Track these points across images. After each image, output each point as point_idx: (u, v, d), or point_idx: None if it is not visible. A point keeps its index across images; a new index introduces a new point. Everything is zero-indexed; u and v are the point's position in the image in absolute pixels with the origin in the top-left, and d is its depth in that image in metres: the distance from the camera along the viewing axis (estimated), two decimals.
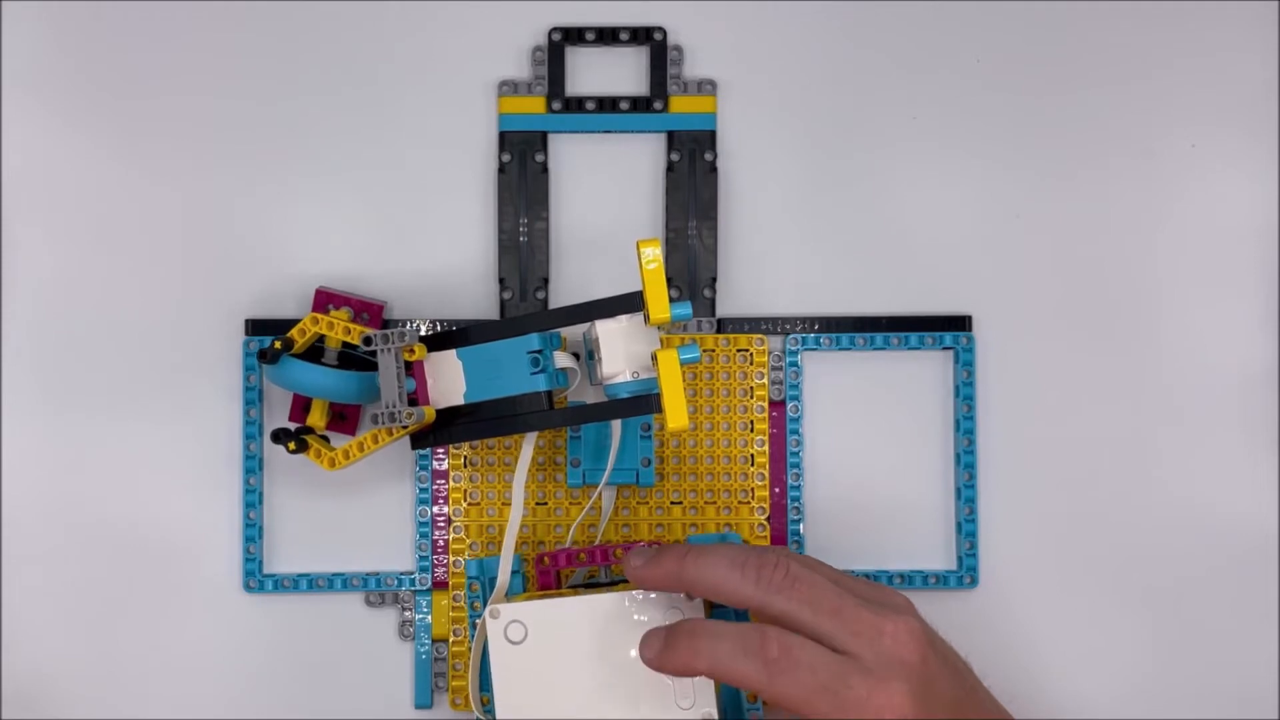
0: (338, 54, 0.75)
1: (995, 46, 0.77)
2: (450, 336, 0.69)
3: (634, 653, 0.66)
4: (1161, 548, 0.76)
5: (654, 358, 0.64)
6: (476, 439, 0.70)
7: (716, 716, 0.68)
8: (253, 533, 0.74)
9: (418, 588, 0.74)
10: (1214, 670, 0.75)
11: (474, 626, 0.73)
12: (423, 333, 0.74)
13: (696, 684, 0.67)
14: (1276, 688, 0.75)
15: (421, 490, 0.74)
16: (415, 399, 0.69)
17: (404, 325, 0.74)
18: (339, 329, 0.69)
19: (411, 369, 0.69)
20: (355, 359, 0.71)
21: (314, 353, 0.72)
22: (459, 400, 0.69)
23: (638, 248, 0.65)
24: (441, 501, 0.74)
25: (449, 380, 0.69)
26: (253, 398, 0.74)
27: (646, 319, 0.65)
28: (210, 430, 0.75)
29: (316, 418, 0.72)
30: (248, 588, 0.74)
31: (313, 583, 0.74)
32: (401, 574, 0.74)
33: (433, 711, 0.74)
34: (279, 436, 0.70)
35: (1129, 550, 0.75)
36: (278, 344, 0.70)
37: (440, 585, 0.74)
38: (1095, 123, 0.76)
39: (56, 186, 0.75)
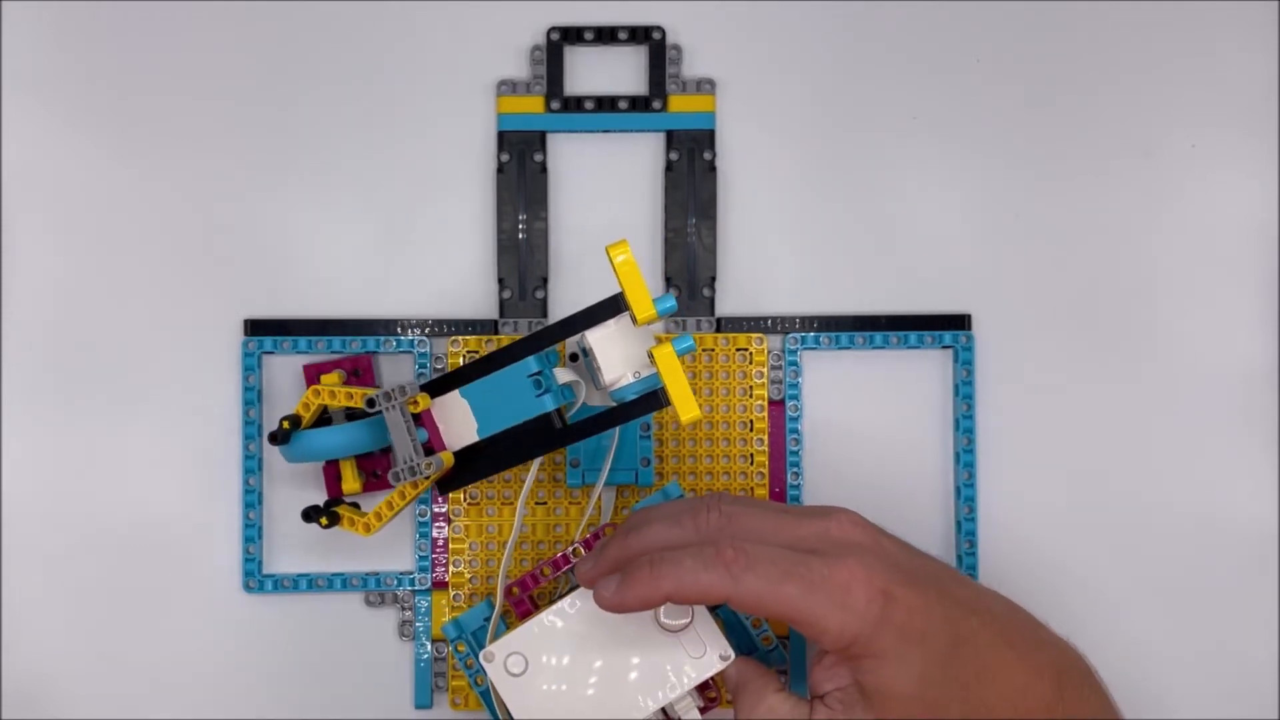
0: (337, 54, 0.75)
1: (995, 46, 0.77)
2: (450, 379, 0.69)
3: (629, 628, 0.67)
4: (1161, 546, 0.76)
5: (650, 355, 0.64)
6: (500, 472, 0.70)
7: (733, 653, 0.67)
8: (252, 533, 0.74)
9: (417, 588, 0.74)
10: (1215, 669, 0.75)
11: (475, 683, 0.73)
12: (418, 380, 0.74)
13: (700, 630, 0.67)
14: (1276, 688, 0.75)
15: None
16: (431, 447, 0.69)
17: (400, 385, 0.72)
18: (340, 396, 0.69)
19: (421, 419, 0.69)
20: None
21: (321, 421, 0.72)
22: (474, 438, 0.68)
23: (607, 252, 0.64)
24: (441, 500, 0.74)
25: (459, 421, 0.69)
26: (252, 398, 0.74)
27: (634, 320, 0.65)
28: (210, 430, 0.75)
29: (350, 483, 0.72)
30: (247, 588, 0.74)
31: (312, 583, 0.74)
32: (401, 574, 0.74)
33: (433, 711, 0.74)
34: (309, 515, 0.70)
35: (1129, 549, 0.75)
36: (285, 424, 0.70)
37: (440, 585, 0.74)
38: (1095, 122, 0.76)
39: (56, 186, 0.75)
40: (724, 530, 0.64)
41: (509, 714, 0.68)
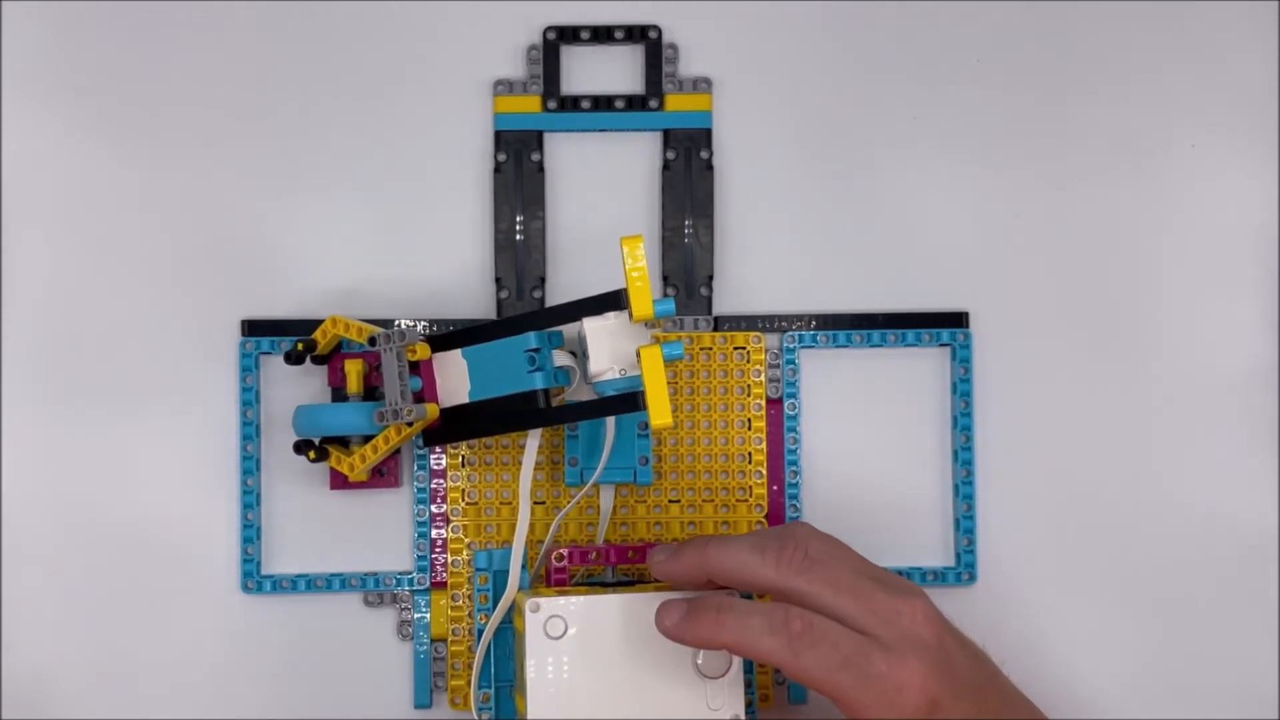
0: (334, 54, 0.76)
1: (995, 46, 0.77)
2: (455, 336, 0.70)
3: (668, 654, 0.66)
4: (1160, 546, 0.75)
5: (638, 354, 0.64)
6: (478, 437, 0.71)
7: (744, 717, 0.67)
8: (250, 533, 0.74)
9: (416, 587, 0.74)
10: (1214, 669, 0.75)
11: (477, 618, 0.73)
12: (422, 332, 0.74)
13: (727, 684, 0.67)
14: (1276, 688, 0.75)
15: (420, 490, 0.74)
16: (423, 397, 0.69)
17: (403, 330, 0.73)
18: (353, 330, 0.70)
19: (420, 368, 0.69)
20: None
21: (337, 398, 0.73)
22: (464, 399, 0.69)
23: (621, 244, 0.65)
24: (440, 501, 0.74)
25: (455, 379, 0.69)
26: (250, 398, 0.74)
27: (630, 315, 0.65)
28: (208, 431, 0.75)
29: (358, 475, 0.72)
30: (246, 588, 0.74)
31: (311, 583, 0.74)
32: (400, 574, 0.74)
33: (432, 711, 0.74)
34: (300, 447, 0.71)
35: (1127, 548, 0.75)
36: (300, 345, 0.71)
37: (439, 585, 0.74)
38: (1095, 122, 0.76)
39: (56, 187, 0.75)
40: (803, 575, 0.63)
41: (494, 663, 0.69)
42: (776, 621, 0.62)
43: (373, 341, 0.69)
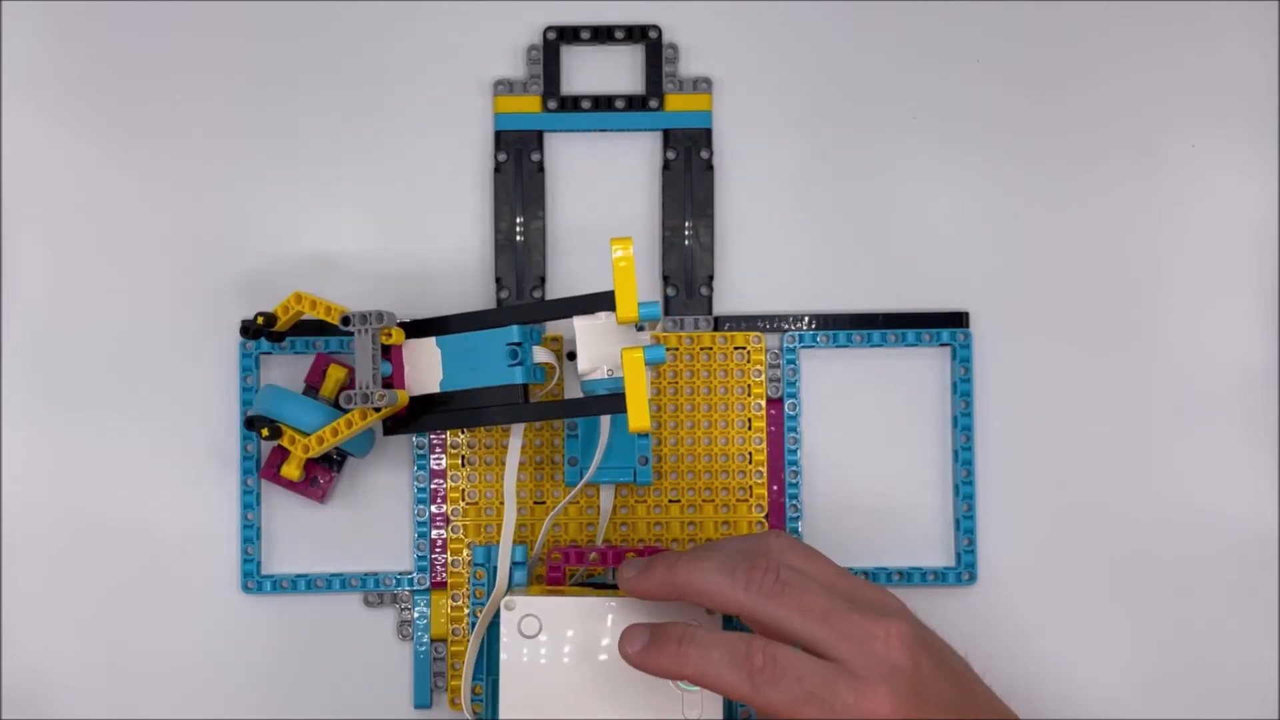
0: (334, 55, 0.76)
1: (995, 46, 0.77)
2: (430, 324, 0.70)
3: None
4: (1160, 546, 0.75)
5: (621, 356, 0.64)
6: (448, 428, 0.71)
7: None
8: (250, 533, 0.74)
9: (416, 587, 0.74)
10: (1214, 669, 0.75)
11: (474, 616, 0.73)
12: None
13: (704, 692, 0.67)
14: (1276, 688, 0.75)
15: (419, 490, 0.74)
16: (391, 383, 0.69)
17: (379, 312, 0.73)
18: (320, 308, 0.70)
19: (390, 354, 0.69)
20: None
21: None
22: (435, 388, 0.69)
23: (611, 245, 0.65)
24: (440, 501, 0.74)
25: (426, 367, 0.69)
26: (250, 398, 0.74)
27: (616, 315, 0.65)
28: (208, 431, 0.75)
29: (292, 470, 0.71)
30: (246, 588, 0.74)
31: (311, 583, 0.74)
32: (400, 574, 0.74)
33: (432, 711, 0.74)
34: (253, 423, 0.71)
35: (1128, 548, 0.75)
36: (260, 319, 0.70)
37: (439, 585, 0.74)
38: (1095, 122, 0.76)
39: (56, 187, 0.75)
40: (773, 599, 0.62)
41: (479, 654, 0.69)
42: (738, 655, 0.61)
43: (345, 321, 0.69)
